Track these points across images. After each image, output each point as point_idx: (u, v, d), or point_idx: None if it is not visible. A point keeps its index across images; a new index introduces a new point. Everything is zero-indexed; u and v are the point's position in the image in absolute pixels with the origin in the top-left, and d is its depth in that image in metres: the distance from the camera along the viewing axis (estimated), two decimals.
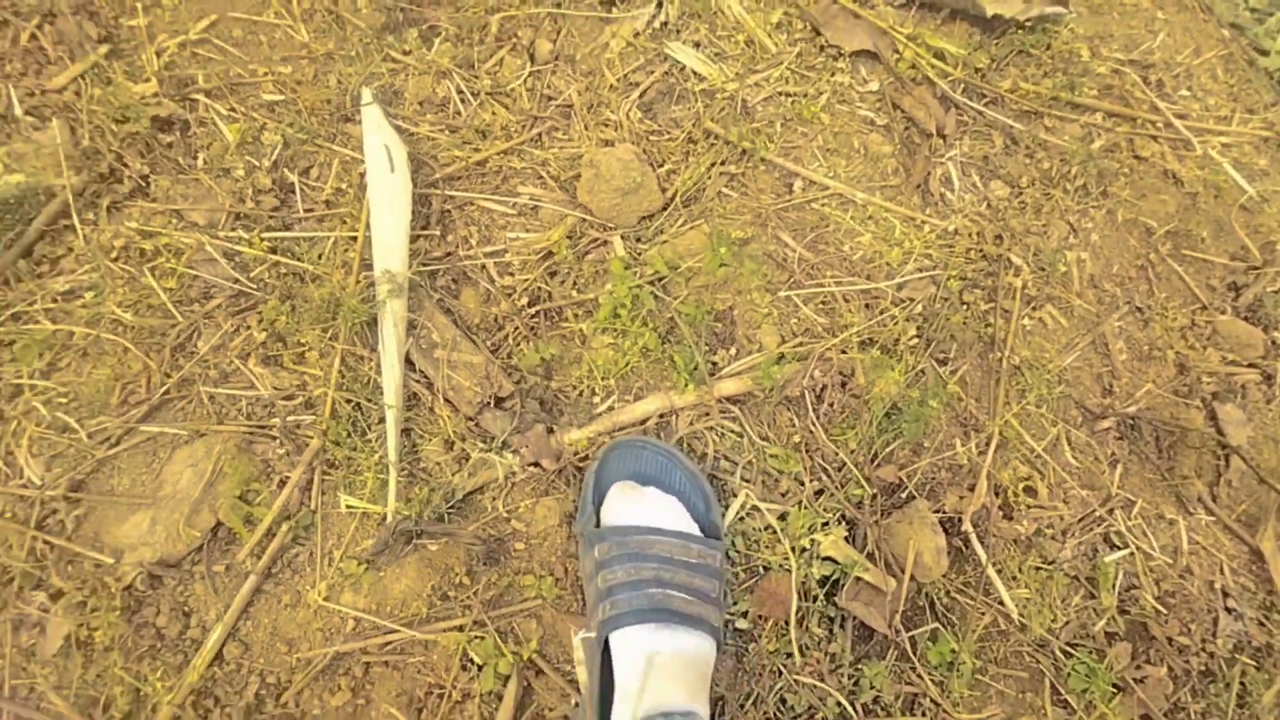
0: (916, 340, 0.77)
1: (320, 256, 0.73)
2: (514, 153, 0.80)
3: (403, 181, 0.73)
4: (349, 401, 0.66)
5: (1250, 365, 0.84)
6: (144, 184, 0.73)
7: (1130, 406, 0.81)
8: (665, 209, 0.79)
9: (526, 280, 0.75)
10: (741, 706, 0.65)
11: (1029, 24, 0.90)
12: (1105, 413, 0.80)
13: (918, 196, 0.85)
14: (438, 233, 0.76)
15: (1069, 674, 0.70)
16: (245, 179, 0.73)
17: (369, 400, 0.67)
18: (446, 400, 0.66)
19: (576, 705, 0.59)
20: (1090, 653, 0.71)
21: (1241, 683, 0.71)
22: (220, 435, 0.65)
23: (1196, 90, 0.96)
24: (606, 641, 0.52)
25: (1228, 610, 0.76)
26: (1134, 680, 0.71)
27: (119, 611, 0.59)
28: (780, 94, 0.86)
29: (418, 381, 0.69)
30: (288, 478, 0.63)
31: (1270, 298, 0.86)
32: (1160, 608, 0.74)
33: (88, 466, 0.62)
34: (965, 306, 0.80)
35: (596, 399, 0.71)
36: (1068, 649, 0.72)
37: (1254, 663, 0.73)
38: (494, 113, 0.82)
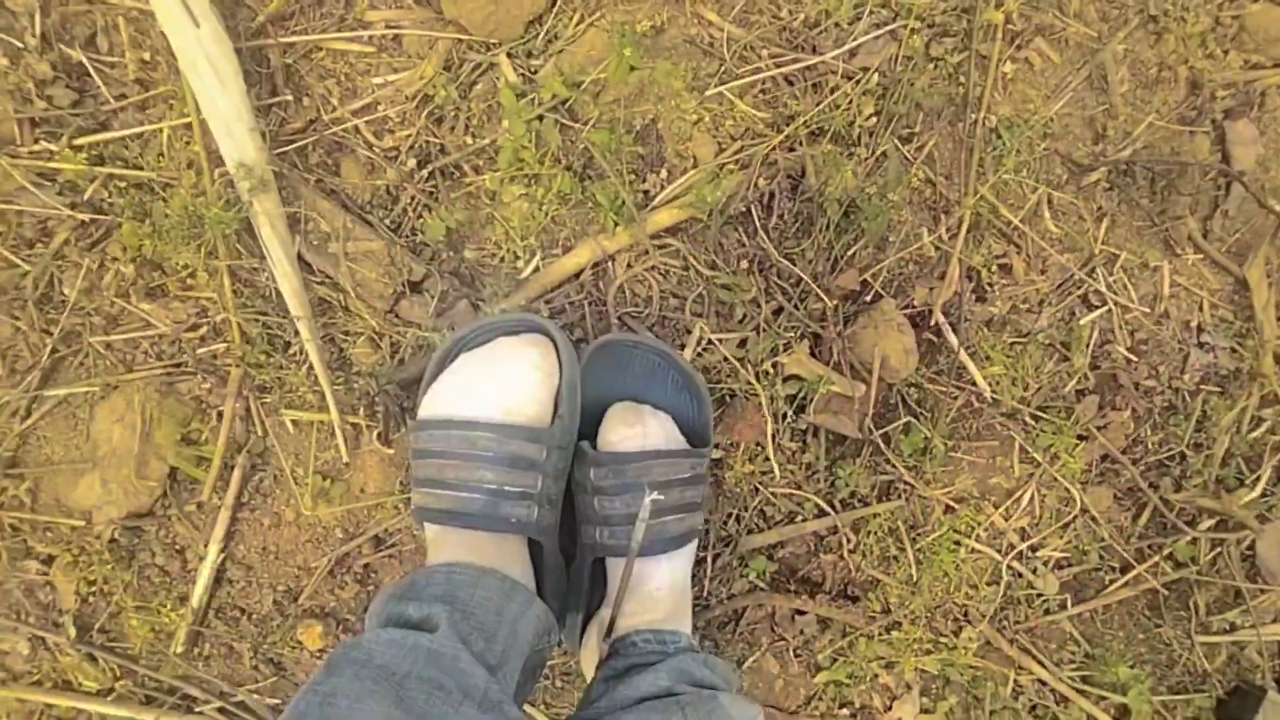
0: (874, 119, 0.54)
1: (159, 156, 0.51)
2: None
3: (216, 36, 0.48)
4: (256, 321, 0.56)
5: (1276, 65, 0.59)
6: None
7: (1125, 150, 0.60)
8: (553, 4, 0.51)
9: (409, 135, 0.52)
10: (724, 524, 0.57)
11: None
12: (1095, 163, 0.59)
13: None
14: (290, 97, 0.52)
15: (1037, 435, 0.59)
16: (14, 69, 0.48)
17: (276, 313, 0.49)
18: (357, 298, 0.56)
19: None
20: (1059, 412, 0.68)
21: (1203, 410, 0.61)
22: (135, 384, 0.49)
23: None
24: (602, 558, 0.49)
25: (1200, 345, 0.63)
26: (1096, 429, 0.60)
27: (113, 564, 0.51)
28: None
29: (320, 283, 0.53)
30: (223, 410, 0.48)
31: None
32: (1131, 356, 0.63)
33: (11, 443, 0.48)
34: (933, 64, 0.56)
35: (520, 262, 0.52)
36: (1038, 414, 0.66)
37: (1218, 389, 0.62)
38: None
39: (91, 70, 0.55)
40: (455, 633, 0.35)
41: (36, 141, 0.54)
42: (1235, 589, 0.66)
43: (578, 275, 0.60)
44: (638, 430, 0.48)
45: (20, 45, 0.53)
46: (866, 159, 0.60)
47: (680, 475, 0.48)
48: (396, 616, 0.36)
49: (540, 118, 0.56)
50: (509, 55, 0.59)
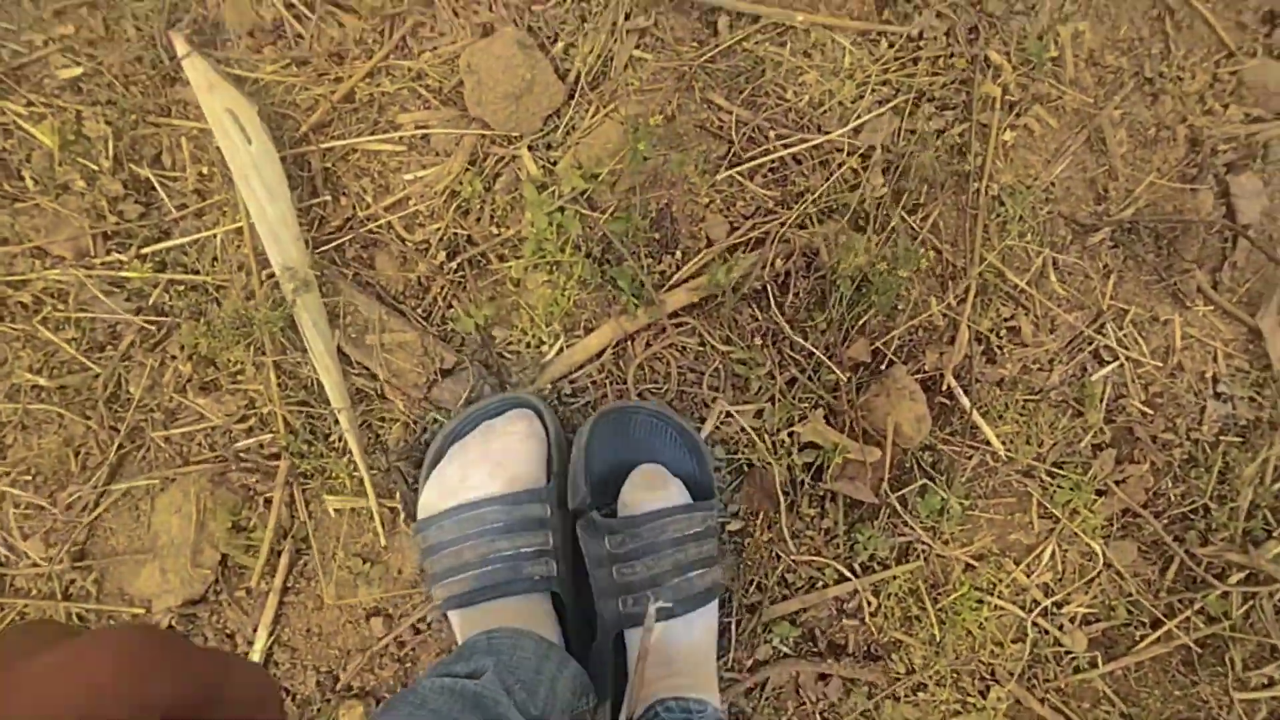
0: (884, 193, 0.56)
1: (214, 260, 0.55)
2: (381, 72, 0.61)
3: (265, 152, 0.52)
4: (300, 412, 0.59)
5: (1278, 116, 0.60)
6: None
7: (1128, 209, 0.61)
8: (570, 98, 0.55)
9: (438, 229, 0.56)
10: (746, 592, 0.58)
11: None
12: (1098, 223, 0.60)
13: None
14: (329, 197, 0.56)
15: (1054, 491, 0.59)
16: (91, 189, 0.54)
17: (318, 403, 0.53)
18: (393, 387, 0.59)
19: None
20: (1076, 468, 0.67)
21: (1224, 460, 0.61)
22: (190, 475, 0.53)
23: None
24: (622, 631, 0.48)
25: (1216, 396, 0.63)
26: (1115, 483, 0.60)
27: None
28: None
29: (358, 374, 0.56)
30: (270, 498, 0.51)
31: None
32: (1146, 410, 0.63)
33: (80, 534, 0.52)
34: (936, 135, 0.58)
35: (545, 346, 0.55)
36: (1054, 470, 0.67)
37: (1239, 438, 0.62)
38: (341, 24, 0.55)
39: (157, 184, 0.60)
40: (500, 681, 0.36)
41: (108, 253, 0.59)
42: (1271, 645, 0.66)
43: (599, 355, 0.63)
44: (661, 494, 0.48)
45: (95, 168, 0.59)
46: (876, 233, 0.62)
47: (694, 530, 0.48)
48: (445, 672, 0.38)
49: (561, 209, 0.60)
50: (530, 149, 0.63)
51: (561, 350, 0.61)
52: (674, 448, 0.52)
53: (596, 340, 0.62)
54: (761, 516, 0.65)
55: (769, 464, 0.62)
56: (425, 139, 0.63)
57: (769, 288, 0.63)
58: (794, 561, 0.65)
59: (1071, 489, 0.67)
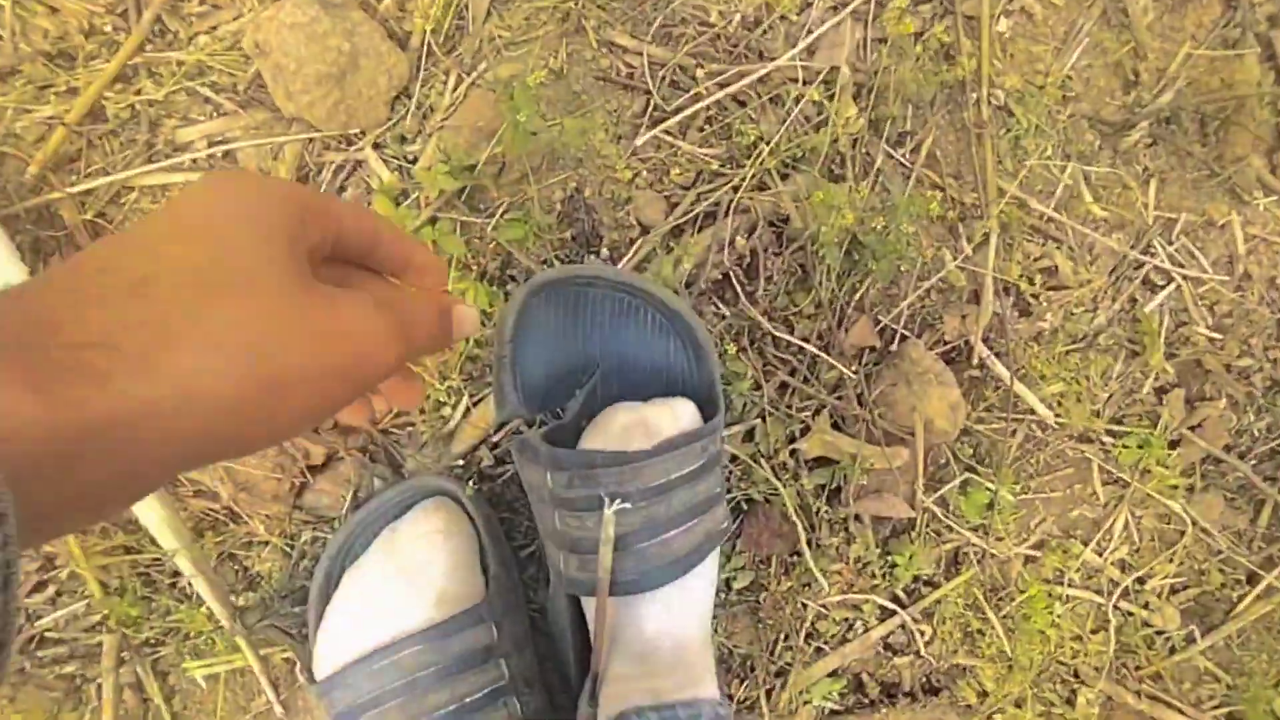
0: (860, 126, 0.39)
1: None
2: (139, 72, 0.44)
3: None
4: (118, 560, 0.42)
5: None
6: None
7: (1164, 94, 0.46)
8: (418, 69, 0.37)
9: None
10: (771, 654, 0.43)
11: None
12: (1131, 118, 0.46)
13: None
14: None
15: (1118, 452, 0.55)
16: None
17: (147, 545, 0.35)
18: (242, 507, 0.43)
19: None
20: (1140, 420, 0.56)
21: None
22: None
23: None
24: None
25: None
26: (1190, 429, 0.47)
27: None
28: None
29: (194, 496, 0.37)
30: (101, 684, 0.34)
31: None
32: (1214, 335, 0.50)
33: None
34: (914, 40, 0.43)
35: (447, 408, 0.37)
36: (1114, 428, 0.55)
37: None
38: (54, 8, 0.35)
39: None
40: None
41: None
42: None
43: None
44: (633, 426, 0.33)
45: None
46: (858, 180, 0.46)
47: (685, 469, 0.32)
48: None
49: (433, 221, 0.42)
50: (376, 147, 0.44)
51: (469, 410, 0.44)
52: (655, 337, 0.35)
53: None
54: (774, 562, 0.50)
55: (773, 496, 0.47)
56: (229, 157, 0.44)
57: (732, 275, 0.46)
58: (824, 607, 0.50)
59: (1139, 446, 0.54)
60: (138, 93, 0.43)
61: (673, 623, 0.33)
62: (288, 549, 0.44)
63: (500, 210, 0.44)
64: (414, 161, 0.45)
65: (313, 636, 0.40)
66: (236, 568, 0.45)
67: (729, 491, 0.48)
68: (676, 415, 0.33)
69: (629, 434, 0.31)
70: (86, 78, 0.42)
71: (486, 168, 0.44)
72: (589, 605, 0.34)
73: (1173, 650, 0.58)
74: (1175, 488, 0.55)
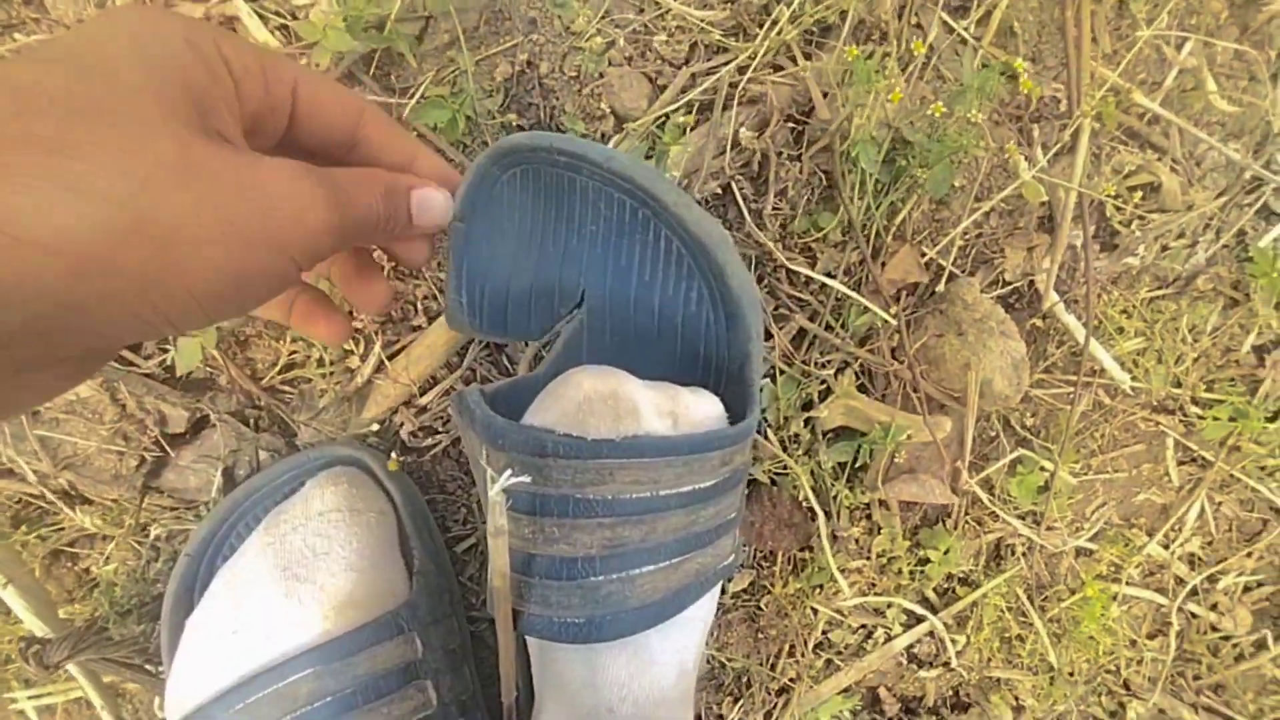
0: None
1: None
2: None
3: None
4: None
5: None
6: None
7: None
8: None
9: None
10: (771, 671, 0.33)
11: None
12: None
13: None
14: None
15: (1204, 426, 0.45)
16: None
17: None
18: (76, 491, 0.31)
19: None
20: (1235, 385, 0.45)
21: None
22: None
23: None
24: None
25: None
26: None
27: None
28: None
29: (6, 475, 0.24)
30: None
31: None
32: None
33: None
34: None
35: (353, 357, 0.25)
36: (1202, 396, 0.44)
37: None
38: None
39: None
40: None
41: None
42: None
43: (461, 353, 0.33)
44: (629, 422, 0.22)
45: None
46: (904, 61, 0.32)
47: (688, 485, 0.22)
48: None
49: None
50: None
51: (382, 363, 0.32)
52: (665, 274, 0.23)
53: (445, 331, 0.32)
54: (780, 558, 0.39)
55: (780, 476, 0.35)
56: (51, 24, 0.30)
57: (734, 186, 0.33)
58: (839, 612, 0.40)
59: (1230, 418, 0.43)
60: None
61: (637, 682, 0.23)
62: (137, 545, 0.32)
63: (419, 88, 0.31)
64: (299, 17, 0.31)
65: (167, 662, 0.28)
66: (75, 569, 0.33)
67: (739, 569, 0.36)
68: (684, 406, 0.22)
69: (589, 408, 0.21)
70: None
71: (402, 26, 0.30)
72: (536, 653, 0.24)
73: (1239, 657, 0.48)
74: (1267, 470, 0.45)
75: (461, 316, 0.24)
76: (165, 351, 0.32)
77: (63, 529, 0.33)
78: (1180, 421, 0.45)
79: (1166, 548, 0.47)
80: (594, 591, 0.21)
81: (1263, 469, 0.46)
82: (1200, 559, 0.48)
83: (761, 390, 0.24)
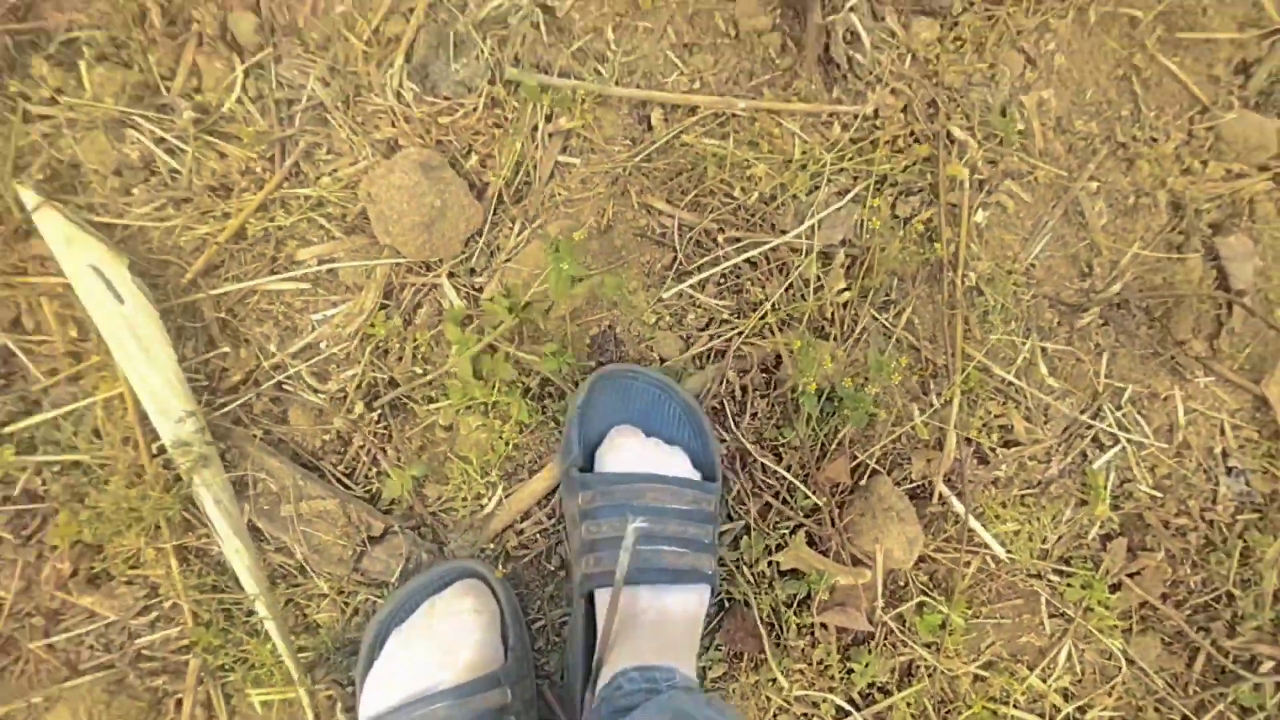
0: (847, 294, 0.48)
1: (94, 435, 0.46)
2: (274, 204, 0.54)
3: (141, 309, 0.44)
4: (209, 597, 0.51)
5: (1262, 169, 0.55)
6: None
7: (1114, 285, 0.55)
8: (491, 216, 0.47)
9: (355, 374, 0.48)
10: None
11: None
12: (1085, 303, 0.54)
13: (819, 76, 0.50)
14: (227, 348, 0.48)
15: (1064, 589, 0.60)
16: None
17: (232, 587, 0.44)
18: (313, 567, 0.51)
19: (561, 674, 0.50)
20: (1085, 562, 0.61)
21: (1244, 542, 0.55)
22: (81, 687, 0.44)
23: None
24: (590, 594, 0.44)
25: (1228, 471, 0.57)
26: (1129, 576, 0.54)
27: None
28: None
29: (275, 550, 0.48)
30: (181, 699, 0.42)
31: None
32: (1155, 493, 0.57)
33: None
34: (902, 223, 0.53)
35: (484, 499, 0.46)
36: (1061, 568, 0.60)
37: (1257, 515, 0.56)
38: (223, 155, 0.48)
39: (17, 350, 0.51)
40: None
41: None
42: None
43: (548, 497, 0.54)
44: (639, 454, 0.45)
45: None
46: (843, 337, 0.55)
47: (677, 505, 0.44)
48: None
49: (492, 348, 0.52)
50: (450, 275, 0.55)
51: (502, 501, 0.53)
52: (676, 423, 0.48)
53: (541, 483, 0.54)
54: (746, 658, 0.57)
55: (750, 599, 0.55)
56: (332, 274, 0.55)
57: (725, 405, 0.55)
58: (786, 701, 0.57)
59: (1083, 586, 0.60)
60: (271, 219, 0.54)
61: (658, 607, 0.43)
62: (344, 605, 0.52)
63: (544, 346, 0.54)
64: (480, 291, 0.55)
65: (360, 683, 0.47)
66: (297, 614, 0.54)
67: (715, 594, 0.56)
68: (672, 461, 0.46)
69: (638, 461, 0.45)
70: (237, 206, 0.54)
71: (538, 304, 0.54)
72: (601, 597, 0.44)
73: None
74: (1115, 628, 0.62)
75: (576, 456, 0.47)
76: (377, 482, 0.55)
77: (301, 588, 0.54)
78: (1048, 585, 0.63)
79: (1044, 681, 0.63)
80: (642, 554, 0.42)
81: (1113, 627, 0.63)
82: (1072, 693, 0.64)
83: (720, 475, 0.49)
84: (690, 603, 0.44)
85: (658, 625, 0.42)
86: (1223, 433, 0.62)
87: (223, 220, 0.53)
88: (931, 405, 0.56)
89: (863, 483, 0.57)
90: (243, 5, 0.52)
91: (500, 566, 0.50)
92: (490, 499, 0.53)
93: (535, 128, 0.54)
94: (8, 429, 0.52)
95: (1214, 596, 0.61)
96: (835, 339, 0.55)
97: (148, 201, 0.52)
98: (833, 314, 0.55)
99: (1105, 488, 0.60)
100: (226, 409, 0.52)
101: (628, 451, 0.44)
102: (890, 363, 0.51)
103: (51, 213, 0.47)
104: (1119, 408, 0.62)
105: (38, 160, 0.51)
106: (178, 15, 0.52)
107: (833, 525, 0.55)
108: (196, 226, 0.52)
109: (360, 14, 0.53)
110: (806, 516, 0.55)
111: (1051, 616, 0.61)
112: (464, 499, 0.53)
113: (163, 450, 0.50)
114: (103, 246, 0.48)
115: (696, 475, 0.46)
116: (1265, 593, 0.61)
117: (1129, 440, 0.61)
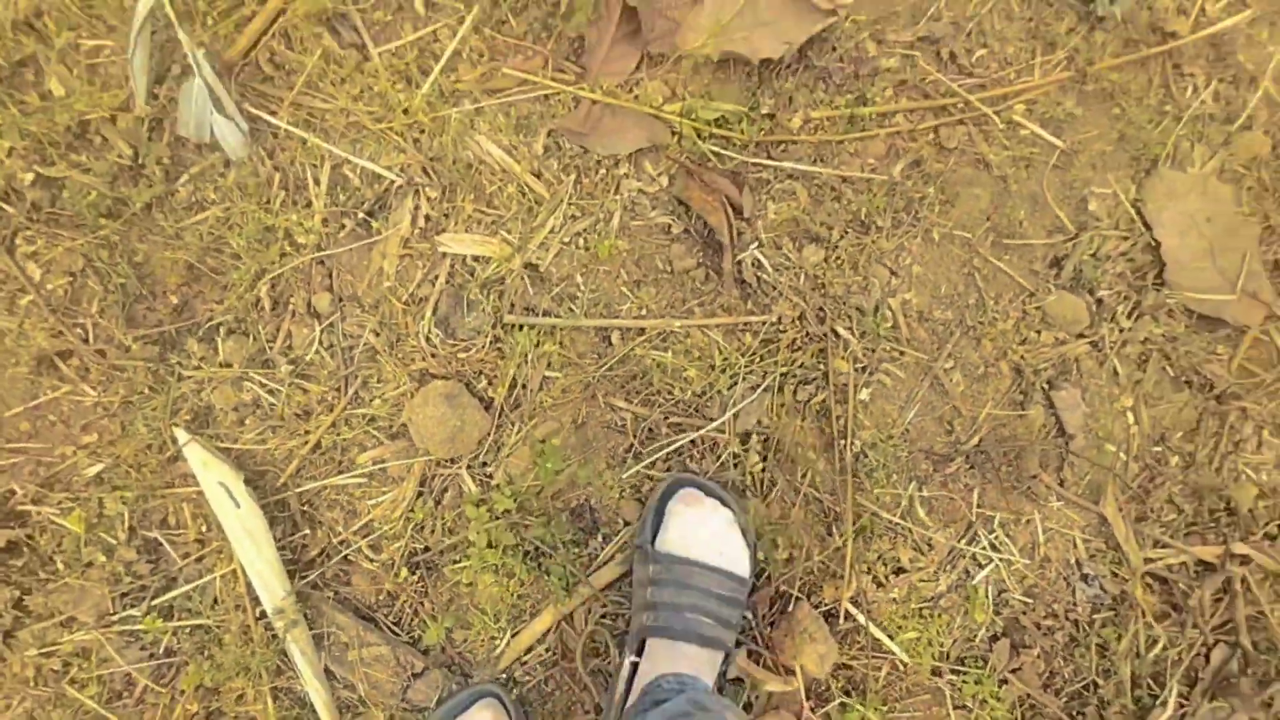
0: (761, 466, 0.68)
1: (215, 602, 0.66)
2: (341, 422, 0.74)
3: (252, 512, 0.64)
4: None
5: (1080, 335, 0.75)
6: (21, 609, 0.69)
7: (974, 437, 0.74)
8: (498, 423, 0.69)
9: (399, 546, 0.68)
10: None
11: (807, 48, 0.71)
12: (952, 454, 0.73)
13: (738, 290, 0.71)
14: (307, 530, 0.68)
15: (961, 686, 0.70)
16: (110, 561, 0.67)
17: (312, 718, 0.63)
18: (371, 701, 0.68)
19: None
20: (977, 661, 0.76)
21: (1100, 638, 0.71)
22: None
23: (993, 44, 0.79)
24: (643, 642, 0.60)
25: (1083, 578, 0.74)
26: (1011, 672, 0.70)
27: None
28: (569, 243, 0.75)
29: (345, 688, 0.66)
30: None
31: (1088, 263, 0.80)
32: (1026, 600, 0.73)
33: None
34: (801, 406, 0.74)
35: (497, 640, 0.66)
36: (957, 667, 0.75)
37: (1111, 612, 0.72)
38: (305, 390, 0.69)
39: (164, 542, 0.73)
40: None
41: (124, 608, 0.70)
42: None
43: (545, 635, 0.74)
44: (699, 510, 0.63)
45: (114, 540, 0.71)
46: (763, 496, 0.75)
47: (719, 591, 0.60)
48: None
49: (498, 521, 0.73)
50: (468, 467, 0.76)
51: (509, 640, 0.73)
52: (729, 527, 0.63)
53: (540, 624, 0.73)
54: None
55: None
56: (382, 470, 0.76)
57: None
58: None
59: (976, 682, 0.77)
60: (339, 434, 0.77)
61: (689, 656, 0.59)
62: None
63: (537, 516, 0.75)
64: (491, 477, 0.77)
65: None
66: None
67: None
68: (727, 553, 0.62)
69: (702, 549, 0.62)
70: (315, 425, 0.76)
71: (531, 489, 0.75)
72: (652, 646, 0.60)
73: None
74: (1006, 715, 0.78)
75: (647, 547, 0.62)
76: (418, 629, 0.75)
77: (361, 714, 0.73)
78: (949, 683, 0.80)
79: None
80: (685, 620, 0.59)
81: (1005, 715, 0.79)
82: None
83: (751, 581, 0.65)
84: (713, 659, 0.60)
85: (691, 656, 0.59)
86: (1076, 546, 0.80)
87: (305, 437, 0.75)
88: (835, 546, 0.76)
89: (788, 609, 0.76)
90: (322, 287, 0.76)
91: (513, 693, 0.70)
92: (501, 640, 0.72)
93: (525, 354, 0.76)
94: (156, 601, 0.73)
95: (1083, 685, 0.77)
96: (757, 497, 0.75)
97: (255, 429, 0.75)
98: (753, 479, 0.76)
99: (986, 598, 0.78)
100: (307, 576, 0.73)
101: (688, 506, 0.62)
102: (790, 530, 0.71)
103: (195, 446, 0.70)
104: (991, 531, 0.80)
105: (185, 406, 0.74)
106: (279, 298, 0.76)
107: (763, 643, 0.74)
108: (287, 443, 0.75)
109: (400, 284, 0.77)
110: (745, 634, 0.74)
111: (956, 708, 0.77)
112: (482, 641, 0.73)
113: (264, 615, 0.71)
114: (226, 467, 0.70)
115: (736, 567, 0.60)
116: (1124, 680, 0.77)
117: (1000, 559, 0.79)
